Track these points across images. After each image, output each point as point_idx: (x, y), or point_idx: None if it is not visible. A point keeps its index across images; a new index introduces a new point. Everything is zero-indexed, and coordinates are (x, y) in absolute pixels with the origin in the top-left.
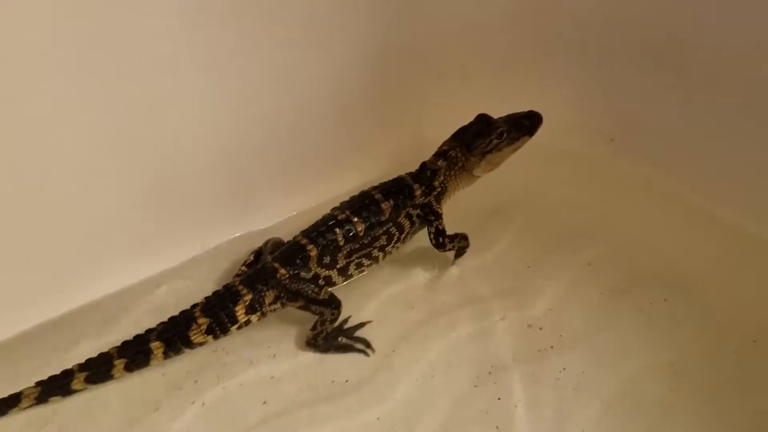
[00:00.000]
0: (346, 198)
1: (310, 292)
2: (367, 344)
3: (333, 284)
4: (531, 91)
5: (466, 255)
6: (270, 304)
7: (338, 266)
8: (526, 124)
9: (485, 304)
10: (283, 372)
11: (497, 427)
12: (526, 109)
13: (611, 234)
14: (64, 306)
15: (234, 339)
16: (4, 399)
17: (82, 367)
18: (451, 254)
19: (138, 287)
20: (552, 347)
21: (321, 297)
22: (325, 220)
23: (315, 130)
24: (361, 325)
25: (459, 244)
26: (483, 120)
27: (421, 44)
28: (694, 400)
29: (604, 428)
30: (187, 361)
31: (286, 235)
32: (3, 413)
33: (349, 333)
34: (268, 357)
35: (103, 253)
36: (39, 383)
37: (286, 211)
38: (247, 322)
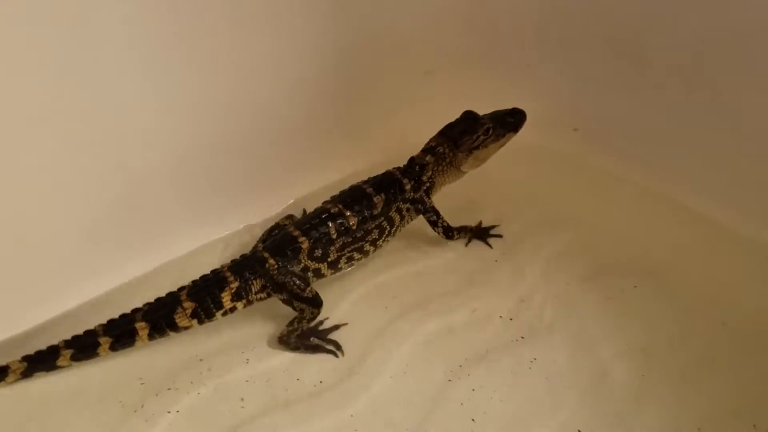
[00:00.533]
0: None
1: (295, 287)
2: (338, 346)
3: (322, 276)
4: (494, 87)
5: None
6: (257, 293)
7: (329, 259)
8: (510, 120)
9: (456, 298)
10: (257, 376)
11: (473, 420)
12: (508, 107)
13: (579, 224)
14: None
15: (208, 344)
16: None
17: (68, 343)
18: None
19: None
20: (523, 338)
21: (305, 294)
22: (317, 213)
23: (277, 131)
24: (336, 327)
25: (478, 227)
26: (469, 117)
27: (385, 41)
28: (666, 384)
29: (579, 416)
30: (162, 368)
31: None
32: None
33: (323, 334)
34: (241, 362)
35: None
36: (25, 358)
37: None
38: (233, 309)
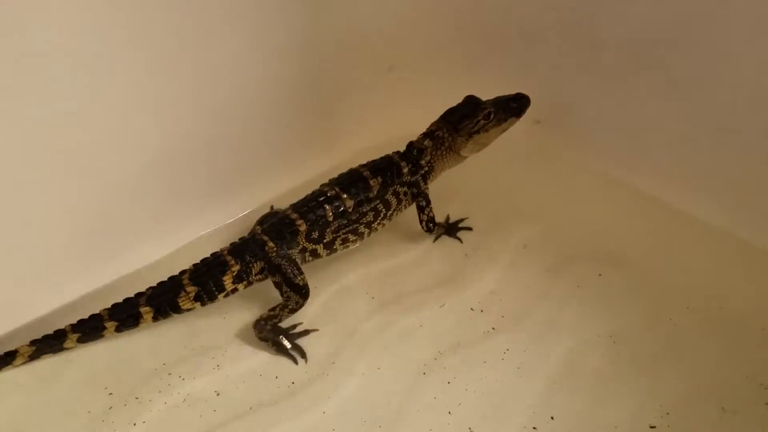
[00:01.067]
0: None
1: (289, 272)
2: (303, 354)
3: (318, 257)
4: (458, 82)
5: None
6: (256, 275)
7: (325, 241)
8: (513, 105)
9: (427, 293)
10: (228, 381)
11: (449, 412)
12: (513, 92)
13: (545, 215)
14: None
15: (177, 351)
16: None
17: (74, 327)
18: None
19: None
20: (494, 329)
21: (296, 281)
22: (314, 195)
23: (239, 136)
24: (306, 332)
25: (447, 223)
26: (471, 101)
27: (347, 38)
28: (634, 369)
29: (551, 403)
30: (131, 376)
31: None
32: None
33: (292, 338)
34: (212, 368)
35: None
36: (33, 342)
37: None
38: (234, 291)
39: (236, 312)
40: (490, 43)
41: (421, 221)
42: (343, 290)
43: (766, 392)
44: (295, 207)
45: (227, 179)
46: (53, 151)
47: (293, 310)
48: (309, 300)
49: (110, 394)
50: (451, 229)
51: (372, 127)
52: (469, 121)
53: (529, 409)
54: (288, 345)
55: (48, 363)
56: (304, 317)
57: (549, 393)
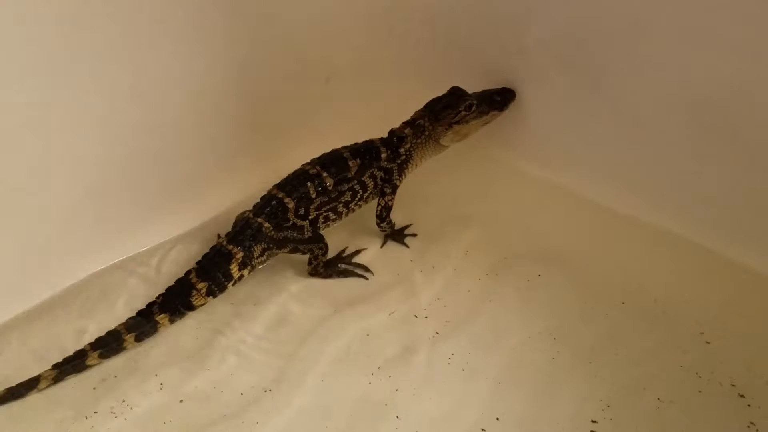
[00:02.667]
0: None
1: (295, 235)
2: (366, 269)
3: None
4: (397, 91)
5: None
6: (258, 257)
7: (309, 218)
8: (497, 99)
9: (373, 301)
10: (173, 400)
11: (398, 417)
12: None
13: (485, 220)
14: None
15: (117, 365)
16: (23, 382)
17: (93, 346)
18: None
19: None
20: (438, 333)
21: (305, 236)
22: (296, 174)
23: (176, 151)
24: (357, 252)
25: (393, 229)
26: (455, 93)
27: (282, 51)
28: (574, 363)
29: (497, 402)
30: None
31: None
32: (21, 396)
33: (347, 260)
34: (155, 388)
35: None
36: (55, 366)
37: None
38: (241, 278)
39: (173, 331)
40: (422, 50)
41: (378, 205)
42: (288, 301)
43: (700, 381)
44: (279, 186)
45: (168, 194)
46: None
47: (325, 253)
48: (256, 310)
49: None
50: (398, 234)
51: (315, 137)
52: (450, 111)
53: (476, 411)
54: (350, 267)
55: None
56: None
57: (494, 394)
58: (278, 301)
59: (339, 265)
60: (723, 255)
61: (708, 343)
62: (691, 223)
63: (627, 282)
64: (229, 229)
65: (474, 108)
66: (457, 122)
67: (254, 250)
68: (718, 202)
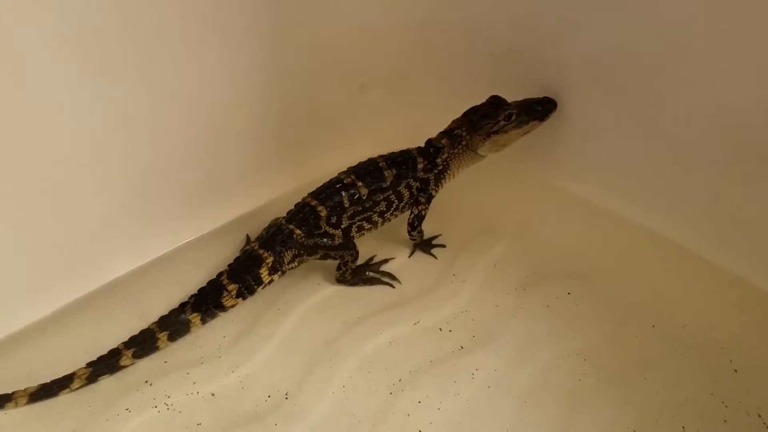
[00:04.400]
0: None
1: (326, 241)
2: (393, 277)
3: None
4: (427, 101)
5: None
6: (289, 263)
7: (342, 227)
8: (538, 109)
9: (399, 311)
10: (203, 399)
11: (420, 430)
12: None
13: (514, 234)
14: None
15: (148, 365)
16: (57, 380)
17: (127, 344)
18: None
19: None
20: (463, 348)
21: (336, 243)
22: (332, 182)
23: (210, 154)
24: (385, 261)
25: (422, 239)
26: (494, 101)
27: (319, 59)
28: (602, 385)
29: (521, 422)
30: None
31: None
32: (54, 394)
33: (375, 267)
34: (189, 385)
35: None
36: (90, 364)
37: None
38: (270, 282)
39: (209, 328)
40: (458, 61)
41: (410, 213)
42: (315, 307)
43: (727, 410)
44: (313, 194)
45: (198, 196)
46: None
47: (354, 260)
48: (281, 316)
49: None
50: (426, 245)
51: (347, 143)
52: (489, 121)
53: (500, 429)
54: (377, 275)
55: None
56: (276, 332)
57: (519, 412)
58: (304, 306)
59: (366, 273)
60: (756, 284)
61: (736, 371)
62: (724, 249)
63: (658, 305)
64: (257, 230)
65: (513, 117)
66: (496, 132)
67: (285, 255)
68: (754, 229)
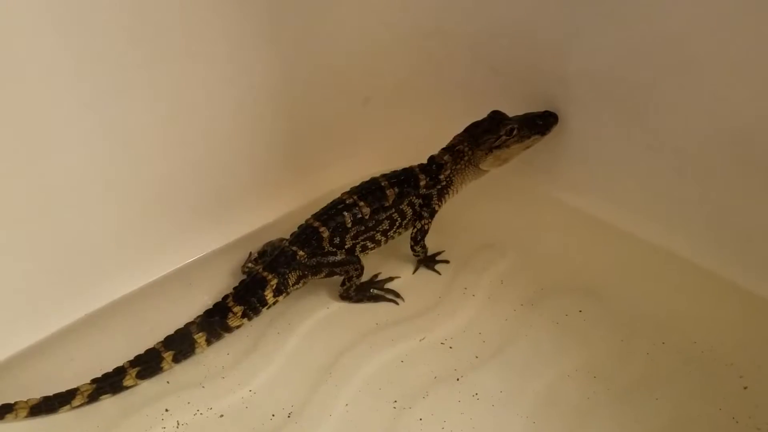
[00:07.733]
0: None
1: (330, 259)
2: (396, 294)
3: None
4: (432, 114)
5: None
6: (293, 284)
7: (346, 247)
8: (539, 123)
9: (404, 327)
10: (204, 421)
11: None
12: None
13: (520, 250)
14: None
15: (150, 386)
16: (59, 394)
17: (132, 363)
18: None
19: None
20: (470, 364)
21: (339, 259)
22: (334, 203)
23: (213, 170)
24: (390, 279)
25: (426, 254)
26: (495, 116)
27: (323, 73)
28: (611, 402)
29: None
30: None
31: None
32: (54, 410)
33: (380, 285)
34: (193, 405)
35: None
36: (94, 380)
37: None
38: (275, 303)
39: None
40: (461, 76)
41: (413, 228)
42: (318, 325)
43: (737, 426)
44: (316, 216)
45: (204, 214)
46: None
47: (359, 275)
48: (287, 332)
49: None
50: (430, 261)
51: (350, 158)
52: (490, 136)
53: None
54: (381, 293)
55: None
56: (280, 350)
57: (525, 430)
58: (308, 323)
59: (371, 290)
60: (764, 297)
61: (746, 388)
62: (733, 264)
63: (667, 321)
64: (260, 246)
65: (515, 132)
66: (498, 147)
67: (289, 277)
68: (760, 241)
